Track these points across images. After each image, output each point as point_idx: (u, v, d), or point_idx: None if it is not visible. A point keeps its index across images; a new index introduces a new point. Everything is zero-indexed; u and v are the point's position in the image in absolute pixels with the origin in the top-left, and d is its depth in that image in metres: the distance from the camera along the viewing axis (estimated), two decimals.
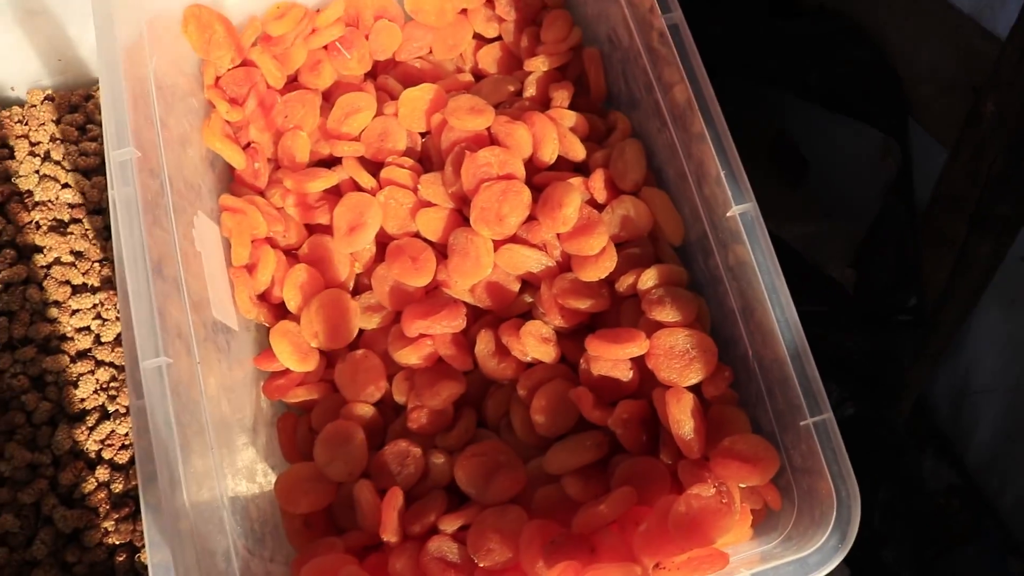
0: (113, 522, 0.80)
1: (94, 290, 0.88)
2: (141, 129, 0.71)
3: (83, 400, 0.84)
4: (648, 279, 0.74)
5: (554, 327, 0.77)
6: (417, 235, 0.81)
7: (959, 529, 1.22)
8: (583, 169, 0.83)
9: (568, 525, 0.69)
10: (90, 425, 0.83)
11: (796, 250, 1.07)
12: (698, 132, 0.71)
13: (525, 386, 0.75)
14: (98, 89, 0.97)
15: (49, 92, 0.97)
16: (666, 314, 0.72)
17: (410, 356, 0.77)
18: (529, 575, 0.66)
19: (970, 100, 0.96)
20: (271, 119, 0.85)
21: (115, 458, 0.82)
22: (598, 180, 0.79)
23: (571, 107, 0.85)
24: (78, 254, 0.89)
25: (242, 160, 0.84)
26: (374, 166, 0.85)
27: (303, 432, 0.80)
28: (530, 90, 0.87)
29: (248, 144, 0.86)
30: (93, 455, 0.83)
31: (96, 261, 0.89)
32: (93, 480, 0.81)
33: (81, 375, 0.84)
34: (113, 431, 0.83)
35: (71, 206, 0.91)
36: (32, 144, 0.94)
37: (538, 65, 0.88)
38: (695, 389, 0.71)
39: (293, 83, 0.89)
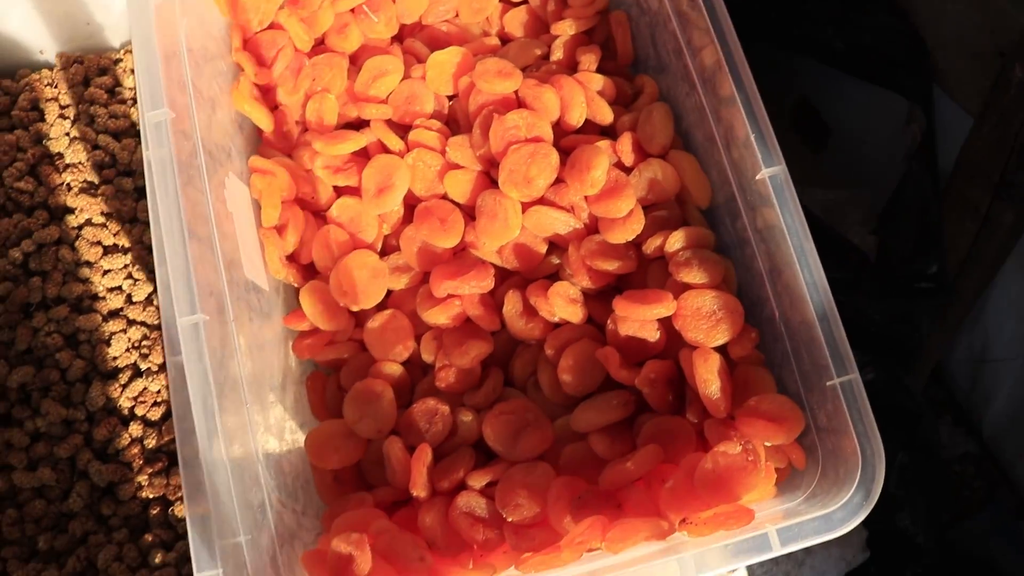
0: (147, 476, 0.82)
1: (125, 250, 0.89)
2: (174, 91, 0.72)
3: (115, 358, 0.85)
4: (676, 241, 0.75)
5: (581, 288, 0.78)
6: (445, 197, 0.82)
7: (974, 496, 1.24)
8: (610, 133, 0.83)
9: (595, 482, 0.70)
10: (123, 382, 0.84)
11: (818, 216, 1.07)
12: (727, 95, 0.71)
13: (553, 346, 0.76)
14: (127, 52, 0.98)
15: (78, 55, 0.97)
16: (693, 276, 0.73)
17: (438, 316, 0.78)
18: (557, 530, 0.68)
19: (997, 66, 0.95)
20: (299, 82, 0.86)
21: (148, 415, 0.84)
22: (626, 143, 0.80)
23: (598, 71, 0.86)
24: (109, 215, 0.90)
25: (270, 122, 0.85)
26: (402, 129, 0.85)
27: (332, 390, 0.81)
28: (557, 54, 0.88)
29: (276, 107, 0.87)
30: (126, 412, 0.84)
31: (127, 222, 0.90)
32: (127, 436, 0.83)
33: (113, 334, 0.86)
34: (145, 388, 0.85)
35: (101, 167, 0.92)
36: (62, 107, 0.95)
37: (565, 29, 0.88)
38: (721, 350, 0.72)
39: (320, 46, 0.89)
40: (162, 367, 0.85)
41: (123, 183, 0.91)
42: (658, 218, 0.79)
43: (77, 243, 0.88)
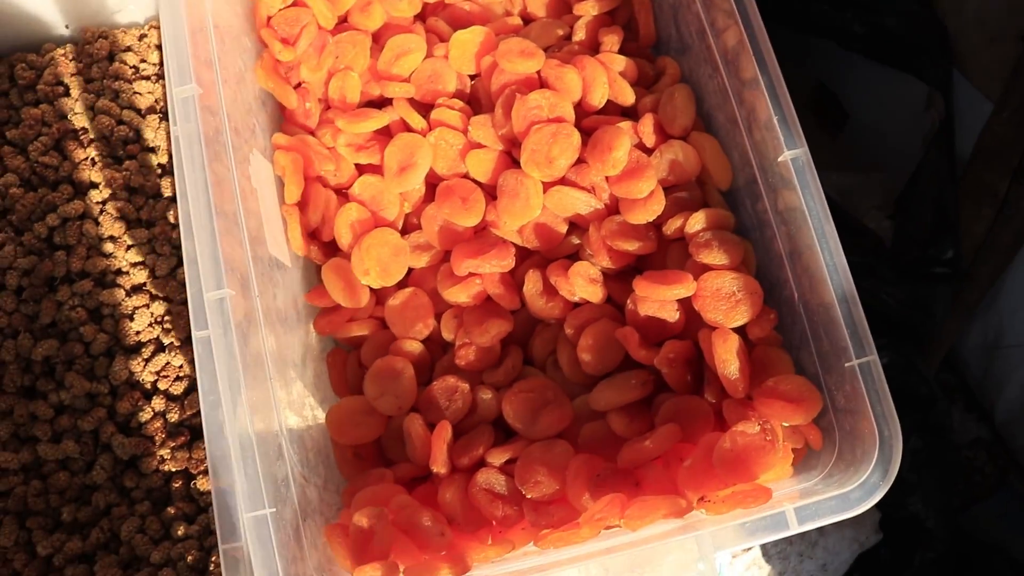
0: (169, 450, 0.83)
1: (148, 225, 0.90)
2: (200, 67, 0.72)
3: (138, 332, 0.86)
4: (696, 222, 0.76)
5: (601, 268, 0.78)
6: (466, 176, 0.83)
7: (985, 482, 1.24)
8: (631, 114, 0.84)
9: (613, 460, 0.71)
10: (146, 357, 0.85)
11: (834, 200, 1.07)
12: (750, 77, 0.72)
13: (572, 325, 0.77)
14: (152, 28, 0.98)
15: (104, 31, 0.98)
16: (713, 257, 0.73)
17: (459, 294, 0.79)
18: (575, 506, 0.69)
19: (1018, 50, 0.95)
20: (322, 59, 0.86)
21: (170, 389, 0.85)
22: (647, 124, 0.80)
23: (620, 52, 0.86)
24: (132, 190, 0.91)
25: (294, 99, 0.85)
26: (424, 107, 0.86)
27: (352, 367, 0.82)
28: (579, 34, 0.88)
29: (299, 84, 0.87)
30: (149, 386, 0.85)
31: (150, 197, 0.91)
32: (149, 410, 0.84)
33: (136, 308, 0.87)
34: (168, 363, 0.86)
35: (126, 143, 0.93)
36: (87, 82, 0.95)
37: (587, 9, 0.88)
38: (740, 331, 0.73)
39: (344, 24, 0.90)
40: (184, 342, 0.86)
41: (147, 158, 0.92)
42: (678, 199, 0.79)
43: (101, 217, 0.89)
